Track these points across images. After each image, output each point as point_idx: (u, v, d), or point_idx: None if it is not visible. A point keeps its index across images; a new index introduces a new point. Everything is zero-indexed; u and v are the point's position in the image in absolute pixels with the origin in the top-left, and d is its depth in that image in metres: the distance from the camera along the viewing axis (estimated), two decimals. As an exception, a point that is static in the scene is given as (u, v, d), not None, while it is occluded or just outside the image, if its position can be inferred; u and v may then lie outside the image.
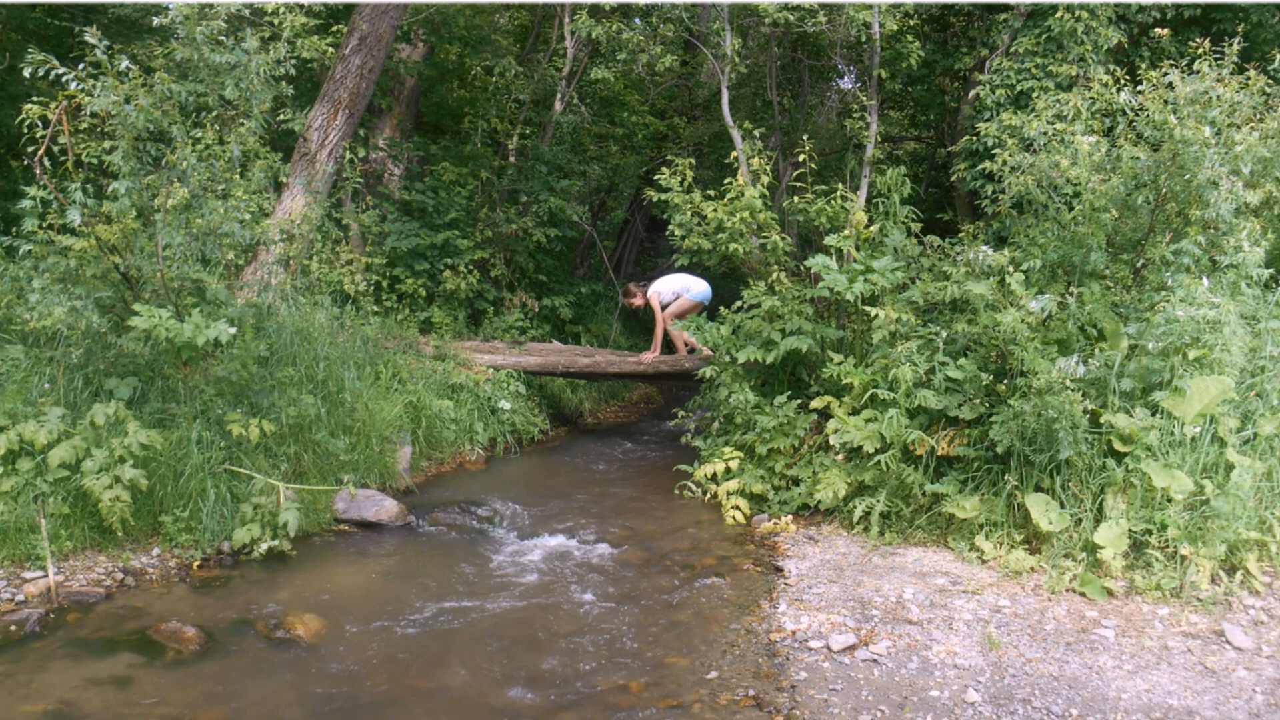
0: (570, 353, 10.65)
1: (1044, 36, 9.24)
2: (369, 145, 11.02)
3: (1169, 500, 5.56)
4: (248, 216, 6.61)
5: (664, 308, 10.25)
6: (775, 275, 8.06)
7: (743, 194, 8.36)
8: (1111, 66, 8.87)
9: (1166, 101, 6.82)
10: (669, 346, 10.51)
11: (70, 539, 5.61)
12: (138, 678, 4.42)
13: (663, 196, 8.70)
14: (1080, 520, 5.72)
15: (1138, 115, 7.10)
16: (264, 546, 5.99)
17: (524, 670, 4.71)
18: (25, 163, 6.03)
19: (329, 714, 4.20)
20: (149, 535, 5.98)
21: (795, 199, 8.34)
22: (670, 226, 8.73)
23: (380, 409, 7.81)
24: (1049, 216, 7.44)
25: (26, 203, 6.03)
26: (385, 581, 5.88)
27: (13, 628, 4.83)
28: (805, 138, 8.83)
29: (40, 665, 4.47)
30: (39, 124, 5.84)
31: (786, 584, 5.87)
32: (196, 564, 5.84)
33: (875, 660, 4.73)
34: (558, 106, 12.87)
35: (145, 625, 4.95)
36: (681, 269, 10.21)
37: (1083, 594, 5.36)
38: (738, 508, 7.23)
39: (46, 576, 5.29)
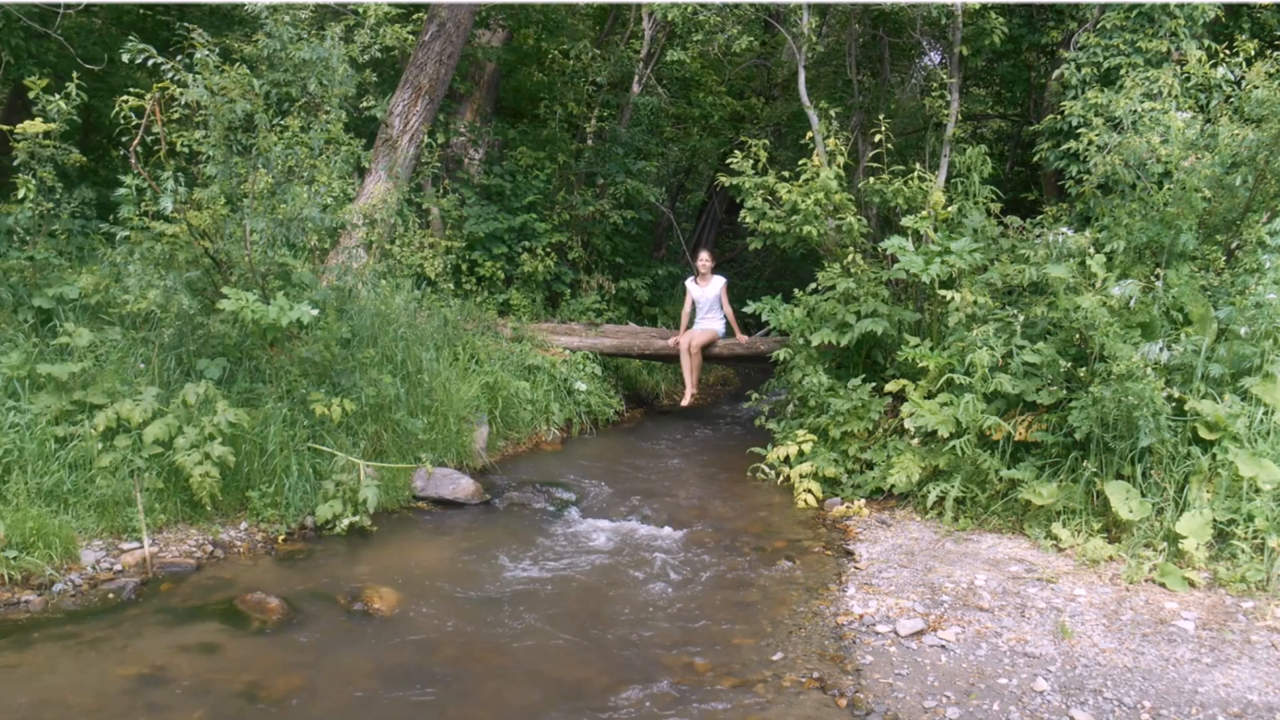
0: (646, 335, 10.72)
1: (1134, 11, 8.91)
2: (449, 130, 11.20)
3: (1256, 490, 5.38)
4: (330, 201, 6.81)
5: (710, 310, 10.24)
6: (851, 257, 7.98)
7: (818, 174, 8.28)
8: (1207, 41, 8.52)
9: (1271, 75, 6.56)
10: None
11: (164, 512, 5.87)
12: (224, 645, 4.63)
13: (734, 181, 8.66)
14: (1162, 509, 5.57)
15: (1237, 89, 6.83)
16: (345, 522, 6.20)
17: (592, 645, 4.80)
18: (123, 153, 6.31)
19: (402, 683, 4.34)
20: (237, 510, 6.22)
21: (871, 180, 8.23)
22: (742, 212, 8.68)
23: (458, 389, 7.98)
24: (1136, 197, 7.21)
25: (123, 190, 6.33)
26: (460, 557, 6.03)
27: (110, 595, 5.10)
28: (881, 117, 8.69)
29: (135, 631, 4.71)
30: (133, 115, 6.11)
31: (856, 568, 5.85)
32: (281, 538, 6.07)
33: (943, 646, 4.69)
34: (635, 88, 12.89)
35: (232, 595, 5.18)
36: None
37: (1162, 585, 5.23)
38: (810, 491, 7.21)
39: (142, 548, 5.56)
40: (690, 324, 10.27)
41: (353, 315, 7.40)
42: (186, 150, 6.32)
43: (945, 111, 9.28)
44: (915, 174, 8.08)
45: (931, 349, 7.09)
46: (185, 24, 6.50)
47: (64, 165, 6.67)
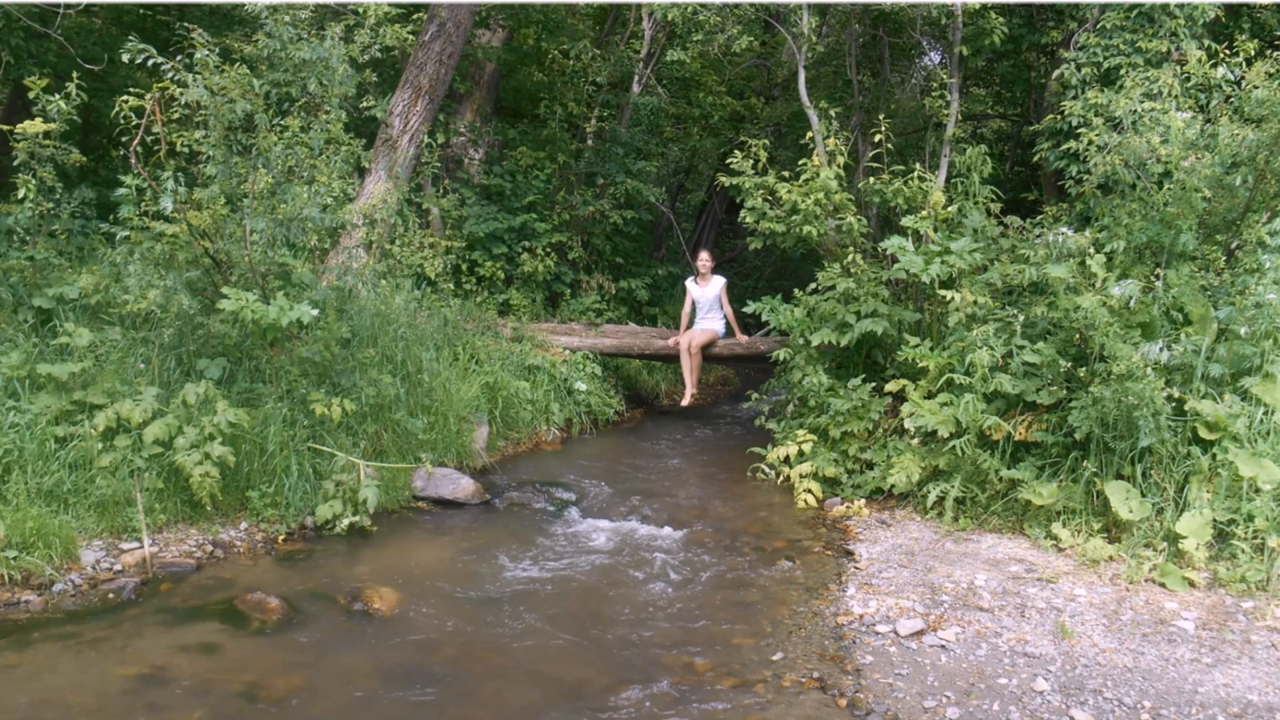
0: (646, 335, 10.72)
1: (1134, 11, 8.91)
2: (449, 130, 11.20)
3: (1256, 491, 5.38)
4: (330, 202, 6.81)
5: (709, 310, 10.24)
6: (851, 257, 7.97)
7: (817, 174, 8.28)
8: (1207, 41, 8.52)
9: (1271, 75, 6.55)
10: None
11: (164, 512, 5.87)
12: (224, 645, 4.63)
13: (734, 181, 8.65)
14: (1162, 509, 5.57)
15: (1237, 89, 6.84)
16: (345, 522, 6.19)
17: (592, 645, 4.80)
18: (123, 153, 6.31)
19: (402, 683, 4.34)
20: (237, 510, 6.22)
21: (871, 180, 8.23)
22: (742, 212, 8.68)
23: (458, 389, 7.98)
24: (1136, 197, 7.21)
25: (123, 190, 6.33)
26: (460, 557, 6.03)
27: (110, 595, 5.10)
28: (881, 117, 8.70)
29: (135, 631, 4.71)
30: (133, 115, 6.11)
31: (856, 568, 5.86)
32: (281, 538, 6.07)
33: (943, 646, 4.69)
34: (635, 89, 12.88)
35: (232, 595, 5.17)
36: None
37: (1162, 585, 5.23)
38: (810, 491, 7.21)
39: (142, 548, 5.56)
40: (690, 324, 10.27)
41: (353, 315, 7.40)
42: (186, 150, 6.32)
43: (945, 111, 9.29)
44: (915, 174, 8.08)
45: (931, 349, 7.09)
46: (185, 24, 6.51)
47: (64, 165, 6.67)
